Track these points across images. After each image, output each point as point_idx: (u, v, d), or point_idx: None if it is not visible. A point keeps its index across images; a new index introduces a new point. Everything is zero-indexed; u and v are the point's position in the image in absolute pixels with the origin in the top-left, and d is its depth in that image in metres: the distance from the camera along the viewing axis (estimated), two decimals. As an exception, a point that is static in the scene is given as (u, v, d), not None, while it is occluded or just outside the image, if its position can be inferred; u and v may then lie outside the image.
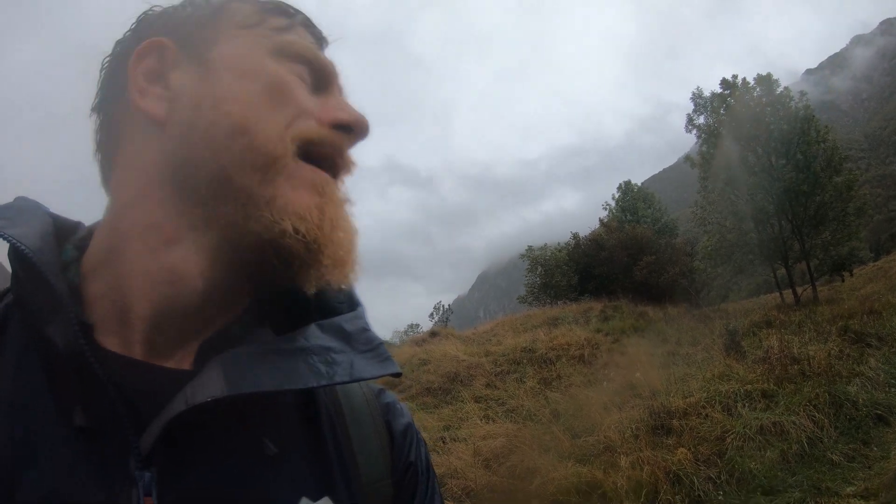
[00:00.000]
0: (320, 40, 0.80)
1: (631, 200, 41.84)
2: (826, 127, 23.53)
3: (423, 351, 15.76)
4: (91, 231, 0.73)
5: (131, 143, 0.71)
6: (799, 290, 22.34)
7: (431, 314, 39.27)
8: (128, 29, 0.75)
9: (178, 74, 0.69)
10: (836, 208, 21.94)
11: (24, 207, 0.71)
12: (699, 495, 5.76)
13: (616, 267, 26.39)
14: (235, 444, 0.65)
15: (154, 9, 0.75)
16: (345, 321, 0.75)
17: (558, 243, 32.61)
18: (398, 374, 0.75)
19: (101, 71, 0.75)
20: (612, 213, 41.53)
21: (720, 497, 5.72)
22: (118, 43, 0.75)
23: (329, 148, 0.72)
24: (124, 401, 0.59)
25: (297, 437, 0.72)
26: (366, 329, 0.77)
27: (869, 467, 5.94)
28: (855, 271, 26.82)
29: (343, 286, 0.72)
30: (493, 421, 9.42)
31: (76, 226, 0.76)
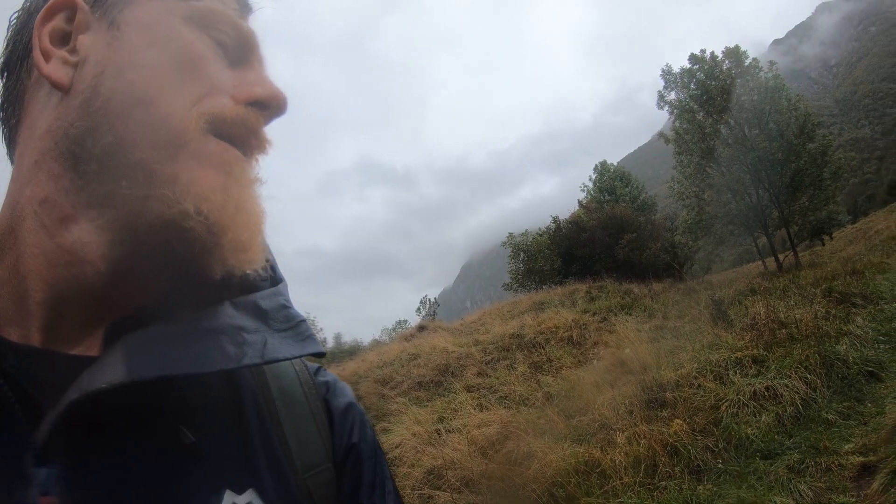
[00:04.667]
0: (244, 7, 0.74)
1: (608, 180, 42.15)
2: (797, 95, 23.83)
3: (413, 346, 15.84)
4: None
5: (32, 111, 0.65)
6: (781, 256, 22.58)
7: (418, 309, 39.21)
8: None
9: (86, 38, 0.64)
10: (812, 174, 22.27)
11: None
12: (698, 465, 5.73)
13: (598, 247, 26.48)
14: (149, 435, 0.60)
15: None
16: (262, 298, 0.71)
17: (539, 228, 32.70)
18: (321, 354, 0.71)
19: (8, 27, 0.70)
20: (590, 194, 41.86)
21: (719, 465, 5.69)
22: None
23: (242, 127, 0.66)
24: (19, 393, 0.55)
25: (219, 424, 0.67)
26: (285, 306, 0.72)
27: (865, 423, 5.93)
28: (835, 234, 27.13)
29: (248, 272, 0.66)
30: (487, 409, 9.35)
31: None
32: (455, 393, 11.15)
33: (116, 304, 0.63)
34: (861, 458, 5.12)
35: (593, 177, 43.46)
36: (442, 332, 18.01)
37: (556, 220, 30.90)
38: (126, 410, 0.57)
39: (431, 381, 12.63)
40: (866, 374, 7.04)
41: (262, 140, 0.70)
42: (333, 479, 0.75)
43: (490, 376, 12.17)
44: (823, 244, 26.03)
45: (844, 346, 7.72)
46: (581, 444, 6.65)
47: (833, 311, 9.67)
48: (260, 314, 0.69)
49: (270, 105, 0.69)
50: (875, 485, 4.57)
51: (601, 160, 43.85)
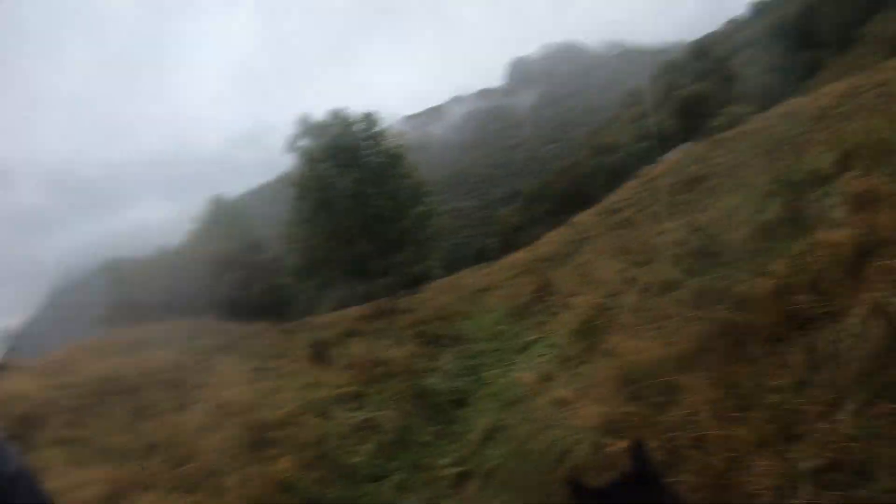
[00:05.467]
0: None
1: (221, 215, 41.28)
2: (413, 165, 26.72)
3: (-31, 391, 13.42)
4: None
5: None
6: (381, 302, 24.56)
7: (-12, 344, 33.61)
8: None
9: None
10: (416, 233, 25.05)
11: None
12: (312, 497, 5.95)
13: (203, 284, 25.80)
14: None
15: None
16: None
17: (145, 256, 30.78)
18: None
19: None
20: (202, 226, 40.52)
21: (331, 494, 5.98)
22: None
23: None
24: None
25: None
26: None
27: (457, 441, 6.79)
28: (430, 285, 30.31)
29: None
30: (86, 466, 8.39)
31: None
32: (40, 449, 9.80)
33: None
34: (457, 469, 5.88)
35: (207, 209, 42.30)
36: (21, 372, 15.67)
37: (161, 250, 29.44)
38: None
39: (8, 436, 10.88)
40: (454, 402, 8.14)
41: None
42: None
43: (83, 426, 10.96)
44: (420, 293, 28.95)
45: (434, 380, 8.81)
46: (193, 493, 6.40)
47: (423, 351, 10.88)
48: None
49: None
50: (472, 487, 5.34)
51: (218, 193, 42.85)
